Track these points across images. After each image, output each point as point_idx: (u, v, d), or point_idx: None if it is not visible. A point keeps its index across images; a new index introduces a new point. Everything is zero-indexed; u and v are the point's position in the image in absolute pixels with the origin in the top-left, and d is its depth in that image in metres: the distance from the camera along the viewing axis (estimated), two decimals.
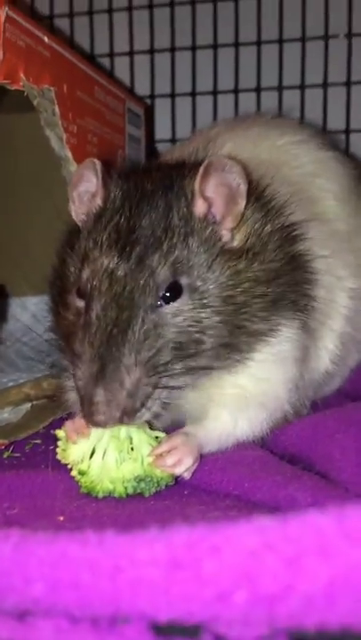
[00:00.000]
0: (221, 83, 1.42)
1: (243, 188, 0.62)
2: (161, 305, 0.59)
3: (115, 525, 0.54)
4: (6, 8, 0.73)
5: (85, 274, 0.61)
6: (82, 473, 0.60)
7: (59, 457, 0.63)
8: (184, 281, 0.60)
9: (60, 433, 0.64)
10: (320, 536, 0.25)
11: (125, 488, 0.59)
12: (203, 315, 0.60)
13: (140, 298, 0.58)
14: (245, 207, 0.63)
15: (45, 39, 0.82)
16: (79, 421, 0.62)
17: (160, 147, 1.46)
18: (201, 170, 0.61)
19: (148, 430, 0.62)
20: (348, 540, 0.24)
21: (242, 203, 0.62)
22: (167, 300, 0.60)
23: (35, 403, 0.86)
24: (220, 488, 0.61)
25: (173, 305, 0.60)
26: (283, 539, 0.25)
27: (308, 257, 0.67)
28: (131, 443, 0.61)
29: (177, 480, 0.62)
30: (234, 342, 0.62)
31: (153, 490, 0.60)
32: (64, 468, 0.63)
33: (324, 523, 0.25)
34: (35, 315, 1.15)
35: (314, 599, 0.24)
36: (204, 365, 0.61)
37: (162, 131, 1.46)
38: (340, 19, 1.35)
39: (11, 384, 0.93)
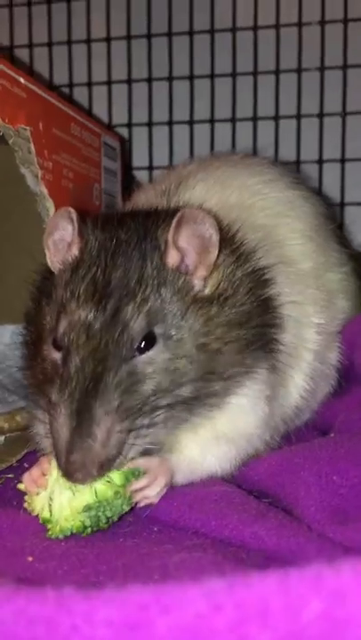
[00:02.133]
0: (197, 113, 1.45)
1: (215, 238, 0.63)
2: (135, 355, 0.60)
3: (83, 566, 0.55)
4: None
5: (62, 326, 0.62)
6: (45, 521, 0.61)
7: (27, 509, 0.63)
8: (158, 330, 0.61)
9: (20, 486, 0.64)
10: (262, 603, 0.26)
11: (82, 522, 0.59)
12: (177, 363, 0.61)
13: (115, 350, 0.59)
14: (218, 254, 0.64)
15: (22, 80, 0.83)
16: (36, 472, 0.63)
17: (137, 174, 1.48)
18: (174, 222, 0.63)
19: None
20: (288, 609, 0.26)
21: (214, 252, 0.64)
22: (142, 351, 0.61)
23: (8, 435, 0.86)
24: (187, 525, 0.62)
25: (148, 354, 0.61)
26: (229, 603, 0.27)
27: (276, 301, 0.69)
28: None
29: (134, 510, 0.63)
30: (210, 390, 0.63)
31: (110, 515, 0.60)
32: None
33: (267, 590, 0.27)
34: (9, 344, 1.16)
35: None
36: (181, 411, 0.63)
37: (139, 159, 1.48)
38: (313, 52, 1.39)
39: None
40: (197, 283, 0.65)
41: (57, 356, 0.62)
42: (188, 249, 0.64)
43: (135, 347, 0.61)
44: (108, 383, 0.58)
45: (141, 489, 0.62)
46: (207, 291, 0.65)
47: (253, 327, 0.65)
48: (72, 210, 0.66)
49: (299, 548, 0.54)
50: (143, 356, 0.61)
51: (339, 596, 0.25)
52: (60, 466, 0.58)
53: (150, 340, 0.61)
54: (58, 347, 0.62)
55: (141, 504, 0.62)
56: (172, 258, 0.64)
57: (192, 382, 0.62)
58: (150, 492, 0.62)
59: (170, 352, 0.61)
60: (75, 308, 0.61)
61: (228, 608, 0.26)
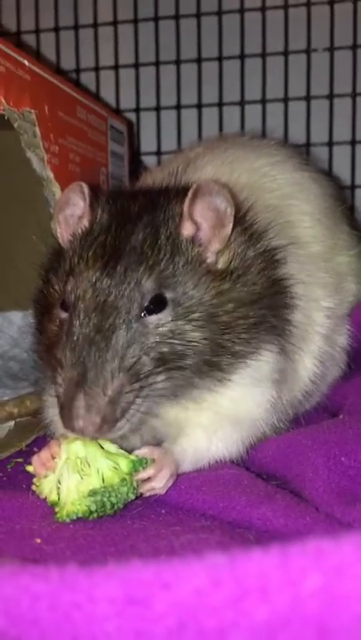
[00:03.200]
0: (205, 96, 1.43)
1: (230, 212, 0.63)
2: (144, 315, 0.60)
3: (90, 547, 0.56)
4: None
5: (70, 285, 0.62)
6: (54, 504, 0.61)
7: (36, 492, 0.63)
8: (169, 295, 0.61)
9: (29, 468, 0.64)
10: (262, 577, 0.26)
11: (88, 506, 0.59)
12: (186, 328, 0.61)
13: (125, 306, 0.59)
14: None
15: (26, 62, 0.83)
16: (45, 454, 0.63)
17: (146, 159, 1.48)
18: (190, 193, 0.63)
19: (106, 444, 0.62)
20: (288, 583, 0.25)
21: (229, 226, 0.64)
22: (151, 312, 0.61)
23: (18, 420, 0.87)
24: (195, 507, 0.62)
25: (158, 316, 0.61)
26: (228, 577, 0.27)
27: (288, 281, 0.68)
28: (86, 460, 0.61)
29: (145, 496, 0.63)
30: (215, 361, 0.63)
31: (115, 501, 0.60)
32: None
33: (267, 564, 0.27)
34: (20, 329, 1.16)
35: (257, 637, 0.25)
36: (186, 380, 0.62)
37: (147, 143, 1.47)
38: (322, 33, 1.37)
39: None
40: (210, 256, 0.64)
41: (64, 315, 0.62)
42: (202, 221, 0.64)
43: (145, 305, 0.60)
44: (120, 338, 0.58)
45: (148, 479, 0.62)
46: (220, 265, 0.65)
47: (263, 308, 0.65)
48: (84, 184, 0.66)
49: (306, 529, 0.54)
50: (153, 316, 0.60)
51: (338, 571, 0.25)
52: (62, 414, 0.57)
53: (160, 302, 0.61)
54: (66, 307, 0.62)
55: (147, 494, 0.62)
56: (187, 229, 0.64)
57: (199, 352, 0.62)
58: (157, 483, 0.62)
59: (179, 317, 0.61)
60: (83, 269, 0.61)
61: (228, 583, 0.26)
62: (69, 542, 0.56)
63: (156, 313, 0.61)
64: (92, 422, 0.56)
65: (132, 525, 0.60)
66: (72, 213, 0.68)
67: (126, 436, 0.64)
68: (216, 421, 0.66)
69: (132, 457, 0.63)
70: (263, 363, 0.66)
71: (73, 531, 0.59)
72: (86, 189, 0.67)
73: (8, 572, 0.35)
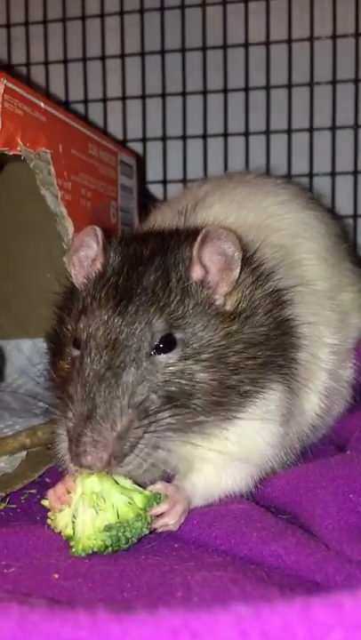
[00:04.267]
0: (211, 127, 1.47)
1: (238, 256, 0.65)
2: (154, 354, 0.62)
3: (107, 583, 0.57)
4: (4, 80, 0.77)
5: (82, 323, 0.64)
6: (68, 537, 0.63)
7: (51, 526, 0.65)
8: (178, 335, 0.63)
9: (45, 502, 0.66)
10: (287, 631, 0.28)
11: (103, 541, 0.60)
12: (195, 369, 0.63)
13: (135, 344, 0.61)
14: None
15: (42, 105, 0.86)
16: (60, 489, 0.65)
17: (152, 188, 1.51)
18: (199, 238, 0.65)
19: (121, 480, 0.64)
20: (312, 637, 0.27)
21: (236, 270, 0.66)
22: (160, 351, 0.62)
23: (30, 451, 0.88)
24: (208, 542, 0.63)
25: (167, 355, 0.62)
26: (255, 630, 0.28)
27: (294, 322, 0.70)
28: (102, 495, 0.62)
29: (156, 531, 0.64)
30: (223, 401, 0.65)
31: (129, 536, 0.61)
32: None
33: (291, 617, 0.28)
34: (30, 357, 1.18)
35: None
36: (193, 417, 0.64)
37: (153, 173, 1.50)
38: (324, 66, 1.41)
39: (6, 430, 0.96)
40: (219, 298, 0.66)
41: (76, 353, 0.64)
42: (210, 265, 0.66)
43: (155, 344, 0.62)
44: (130, 375, 0.60)
45: (161, 515, 0.63)
46: (228, 307, 0.67)
47: (271, 348, 0.67)
48: (98, 228, 0.69)
49: (318, 567, 0.55)
50: (162, 355, 0.62)
51: (359, 625, 0.27)
52: (70, 449, 0.58)
53: (170, 342, 0.63)
54: (78, 345, 0.64)
55: (160, 530, 0.64)
56: (197, 272, 0.66)
57: (206, 392, 0.63)
58: (170, 519, 0.63)
59: (188, 358, 0.63)
60: (95, 308, 0.63)
61: (255, 635, 0.28)
62: (86, 577, 0.58)
63: (166, 352, 0.63)
64: (100, 457, 0.58)
65: (147, 560, 0.61)
66: (86, 255, 0.70)
67: (138, 471, 0.66)
68: (225, 457, 0.68)
69: (147, 492, 0.64)
70: (270, 401, 0.68)
71: (89, 566, 0.60)
72: (100, 233, 0.69)
73: (39, 618, 0.36)
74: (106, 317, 0.62)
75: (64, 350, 0.68)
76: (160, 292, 0.64)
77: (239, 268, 0.66)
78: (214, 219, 0.77)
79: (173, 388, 0.62)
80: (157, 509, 0.63)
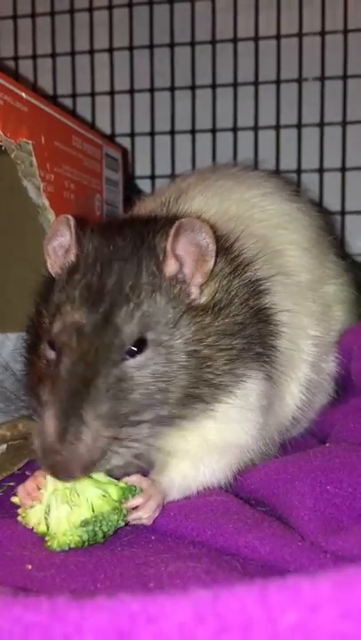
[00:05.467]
0: (199, 122, 1.46)
1: (212, 247, 0.65)
2: (126, 359, 0.62)
3: (81, 574, 0.57)
4: None
5: (56, 327, 0.63)
6: (42, 534, 0.62)
7: (22, 523, 0.64)
8: (150, 336, 0.63)
9: (14, 499, 0.65)
10: (243, 614, 0.27)
11: (79, 536, 0.60)
12: (167, 368, 0.63)
13: (105, 354, 0.61)
14: (215, 263, 0.66)
15: (23, 95, 0.85)
16: (30, 485, 0.64)
17: (140, 183, 1.50)
18: (172, 231, 0.64)
19: (95, 473, 0.63)
20: (267, 620, 0.27)
21: (211, 261, 0.65)
22: (133, 354, 0.62)
23: (10, 443, 0.88)
24: (184, 534, 0.63)
25: (138, 359, 0.62)
26: (211, 613, 0.28)
27: (272, 310, 0.70)
28: (76, 489, 0.62)
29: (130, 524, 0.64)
30: (197, 393, 0.64)
31: (106, 529, 0.61)
32: None
33: (247, 601, 0.28)
34: (13, 351, 1.17)
35: None
36: (168, 415, 0.64)
37: (142, 168, 1.50)
38: (313, 62, 1.41)
39: None
40: (194, 291, 0.66)
41: (51, 355, 0.64)
42: (185, 257, 0.65)
43: (126, 350, 0.62)
44: (99, 387, 0.59)
45: (135, 508, 0.63)
46: (203, 299, 0.66)
47: (246, 337, 0.67)
48: (70, 217, 0.68)
49: (292, 558, 0.55)
50: (133, 360, 0.62)
51: (314, 608, 0.27)
52: (43, 464, 0.59)
53: (141, 344, 0.62)
54: (53, 347, 0.64)
55: (133, 522, 0.64)
56: (170, 266, 0.65)
57: (181, 387, 0.63)
58: (144, 513, 0.63)
59: (160, 357, 0.63)
60: (69, 310, 0.63)
61: (211, 619, 0.28)
62: (60, 569, 0.57)
63: (137, 355, 0.62)
64: (72, 475, 0.59)
65: (122, 552, 0.61)
66: (60, 244, 0.69)
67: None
68: (203, 449, 0.68)
69: (122, 484, 0.64)
70: (250, 390, 0.68)
71: (64, 557, 0.60)
72: (72, 222, 0.68)
73: (1, 603, 0.36)
74: (78, 324, 0.62)
75: (40, 344, 0.67)
76: (131, 292, 0.63)
77: (214, 258, 0.65)
78: (196, 210, 0.76)
79: (145, 391, 0.62)
80: (132, 502, 0.63)
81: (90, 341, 0.61)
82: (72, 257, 0.68)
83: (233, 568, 0.54)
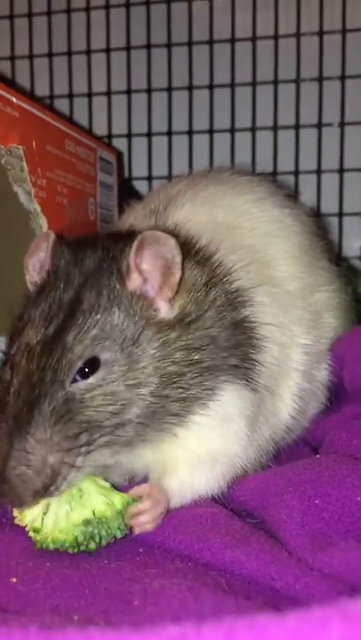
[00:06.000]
0: (196, 123, 1.45)
1: (178, 260, 0.63)
2: (76, 381, 0.60)
3: (65, 589, 0.56)
4: None
5: (14, 348, 0.63)
6: (36, 530, 0.62)
7: (17, 520, 0.64)
8: (105, 356, 0.61)
9: None
10: None
11: (76, 536, 0.60)
12: (120, 389, 0.61)
13: (51, 375, 0.59)
14: (189, 274, 0.65)
15: (14, 100, 0.84)
16: None
17: (137, 184, 1.49)
18: (135, 245, 0.63)
19: (100, 481, 0.64)
20: None
21: (177, 274, 0.63)
22: (84, 375, 0.60)
23: None
24: (172, 547, 0.62)
25: (87, 381, 0.60)
26: None
27: (252, 322, 0.68)
28: (81, 493, 0.62)
29: (131, 532, 0.63)
30: (167, 409, 0.63)
31: (104, 534, 0.61)
32: (21, 527, 0.64)
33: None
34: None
35: None
36: (129, 435, 0.62)
37: (139, 169, 1.49)
38: (311, 63, 1.39)
39: None
40: (162, 305, 0.64)
41: (7, 377, 0.62)
42: (151, 271, 0.63)
43: (75, 372, 0.60)
44: (43, 410, 0.58)
45: (139, 513, 0.62)
46: (173, 313, 0.64)
47: (219, 350, 0.65)
48: (52, 233, 0.67)
49: (278, 575, 0.55)
50: (83, 382, 0.60)
51: None
52: None
53: (94, 364, 0.60)
54: (12, 367, 0.62)
55: (137, 530, 0.63)
56: (134, 280, 0.64)
57: (141, 406, 0.61)
58: (146, 517, 0.62)
59: (113, 378, 0.61)
60: (27, 330, 0.62)
61: None
62: (45, 582, 0.57)
63: (88, 377, 0.60)
64: (23, 501, 0.58)
65: (109, 565, 0.60)
66: (38, 260, 0.68)
67: (107, 471, 0.65)
68: (193, 458, 0.67)
69: (126, 495, 0.64)
70: (226, 402, 0.66)
71: (49, 569, 0.59)
72: (52, 238, 0.67)
73: None
74: (30, 344, 0.61)
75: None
76: (87, 311, 0.61)
77: (180, 271, 0.63)
78: (185, 219, 0.75)
79: (95, 413, 0.60)
80: (139, 507, 0.62)
81: (37, 362, 0.60)
82: (44, 273, 0.67)
83: (218, 585, 0.54)
